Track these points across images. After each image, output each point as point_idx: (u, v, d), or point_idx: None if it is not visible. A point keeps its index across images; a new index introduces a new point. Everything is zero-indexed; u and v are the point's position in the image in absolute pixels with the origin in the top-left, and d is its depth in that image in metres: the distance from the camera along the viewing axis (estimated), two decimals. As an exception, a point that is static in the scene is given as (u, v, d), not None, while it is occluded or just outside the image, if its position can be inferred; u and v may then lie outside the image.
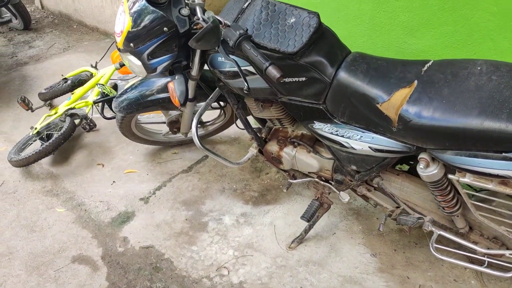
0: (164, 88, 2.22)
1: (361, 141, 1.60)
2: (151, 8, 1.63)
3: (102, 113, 2.72)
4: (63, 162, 2.73)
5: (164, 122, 2.57)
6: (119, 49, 1.81)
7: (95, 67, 3.20)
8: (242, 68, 1.63)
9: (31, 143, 2.74)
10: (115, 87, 2.91)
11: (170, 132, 2.67)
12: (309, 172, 2.05)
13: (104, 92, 2.68)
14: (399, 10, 2.04)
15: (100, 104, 2.73)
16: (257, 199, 2.43)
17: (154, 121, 2.68)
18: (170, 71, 1.82)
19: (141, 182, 2.57)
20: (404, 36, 2.09)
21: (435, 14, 1.93)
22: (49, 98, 3.19)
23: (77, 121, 2.75)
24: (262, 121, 2.16)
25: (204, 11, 1.76)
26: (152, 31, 1.65)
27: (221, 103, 2.43)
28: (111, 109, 2.73)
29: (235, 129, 2.89)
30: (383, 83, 1.50)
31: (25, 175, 2.63)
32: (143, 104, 2.24)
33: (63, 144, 2.56)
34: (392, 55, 2.01)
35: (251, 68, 1.67)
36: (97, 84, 2.78)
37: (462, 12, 1.85)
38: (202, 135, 2.79)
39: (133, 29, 1.67)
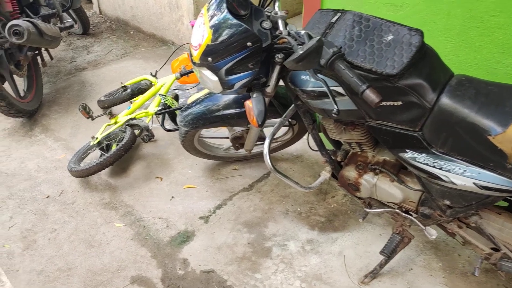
0: (231, 104, 2.10)
1: (464, 176, 1.41)
2: (234, 20, 1.51)
3: (163, 124, 2.64)
4: (121, 173, 2.66)
5: (227, 137, 2.46)
6: (194, 63, 1.70)
7: (155, 76, 3.14)
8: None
9: (90, 152, 2.69)
10: (176, 97, 2.82)
11: (231, 147, 2.56)
12: (388, 202, 1.87)
13: (166, 103, 2.59)
14: (494, 27, 1.84)
15: (161, 115, 2.65)
16: (323, 225, 2.27)
17: (216, 135, 2.57)
18: (247, 88, 1.69)
19: (200, 199, 2.45)
20: (499, 55, 1.88)
21: (539, 32, 1.72)
22: (108, 106, 3.15)
23: (137, 132, 2.68)
24: (336, 142, 2.00)
25: (286, 24, 1.63)
26: (234, 45, 1.52)
27: (291, 121, 2.29)
28: (172, 121, 2.65)
29: (297, 146, 2.75)
30: (496, 112, 1.31)
31: (83, 185, 2.58)
32: (209, 119, 2.12)
33: (123, 156, 2.48)
34: (483, 76, 1.80)
35: (339, 89, 1.52)
36: (159, 94, 2.70)
37: None
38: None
39: (212, 43, 1.56)
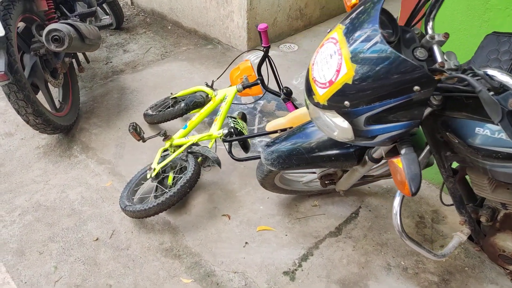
0: (335, 142, 1.65)
1: None
2: (395, 53, 1.06)
3: (230, 152, 2.21)
4: (181, 209, 2.24)
5: (313, 172, 2.04)
6: (315, 104, 1.26)
7: (211, 87, 2.70)
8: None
9: (143, 183, 2.28)
10: (243, 117, 2.39)
11: (313, 180, 2.14)
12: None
13: (236, 128, 2.15)
14: None
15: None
16: (439, 287, 1.84)
17: (301, 170, 2.13)
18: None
19: (280, 246, 2.04)
20: None
21: None
22: (158, 121, 2.73)
23: (199, 159, 2.26)
24: (469, 193, 1.56)
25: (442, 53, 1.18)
26: (391, 87, 1.08)
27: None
28: (243, 149, 2.23)
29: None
30: None
31: (137, 223, 2.17)
32: (306, 159, 1.68)
33: (188, 193, 2.06)
34: None
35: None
36: (228, 117, 2.26)
37: None
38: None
39: (356, 82, 1.11)
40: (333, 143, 1.67)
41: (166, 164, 2.21)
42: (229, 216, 2.20)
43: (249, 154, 2.35)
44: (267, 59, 2.57)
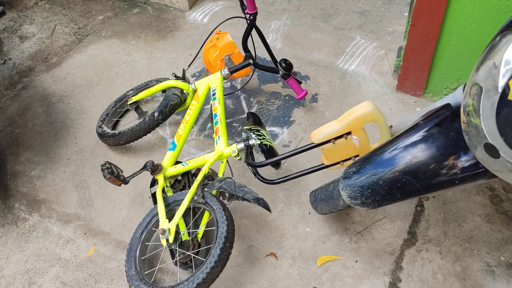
0: (451, 159, 1.17)
1: None
2: None
3: (257, 174, 1.63)
4: (209, 262, 1.68)
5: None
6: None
7: (183, 79, 2.02)
8: None
9: (148, 244, 1.65)
10: (256, 120, 1.77)
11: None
12: None
13: (265, 143, 1.56)
14: None
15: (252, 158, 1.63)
16: (557, 280, 1.55)
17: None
18: None
19: (357, 280, 1.59)
20: None
21: None
22: (126, 142, 2.00)
23: (214, 192, 1.65)
24: None
25: None
26: None
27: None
28: (274, 166, 1.67)
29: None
30: None
31: (160, 303, 1.58)
32: (418, 190, 1.20)
33: (231, 254, 1.48)
34: None
35: None
36: (247, 130, 1.63)
37: None
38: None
39: None
40: (454, 159, 1.18)
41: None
42: (274, 254, 1.69)
43: (282, 172, 1.81)
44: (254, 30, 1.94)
